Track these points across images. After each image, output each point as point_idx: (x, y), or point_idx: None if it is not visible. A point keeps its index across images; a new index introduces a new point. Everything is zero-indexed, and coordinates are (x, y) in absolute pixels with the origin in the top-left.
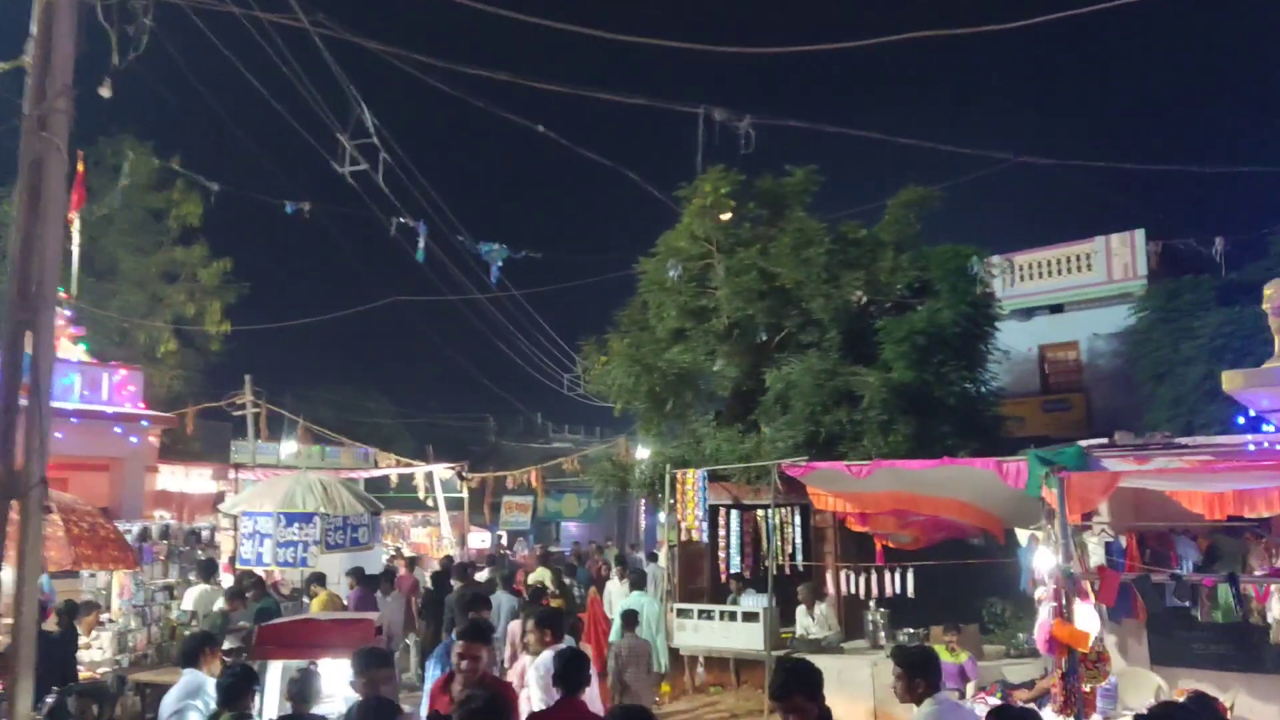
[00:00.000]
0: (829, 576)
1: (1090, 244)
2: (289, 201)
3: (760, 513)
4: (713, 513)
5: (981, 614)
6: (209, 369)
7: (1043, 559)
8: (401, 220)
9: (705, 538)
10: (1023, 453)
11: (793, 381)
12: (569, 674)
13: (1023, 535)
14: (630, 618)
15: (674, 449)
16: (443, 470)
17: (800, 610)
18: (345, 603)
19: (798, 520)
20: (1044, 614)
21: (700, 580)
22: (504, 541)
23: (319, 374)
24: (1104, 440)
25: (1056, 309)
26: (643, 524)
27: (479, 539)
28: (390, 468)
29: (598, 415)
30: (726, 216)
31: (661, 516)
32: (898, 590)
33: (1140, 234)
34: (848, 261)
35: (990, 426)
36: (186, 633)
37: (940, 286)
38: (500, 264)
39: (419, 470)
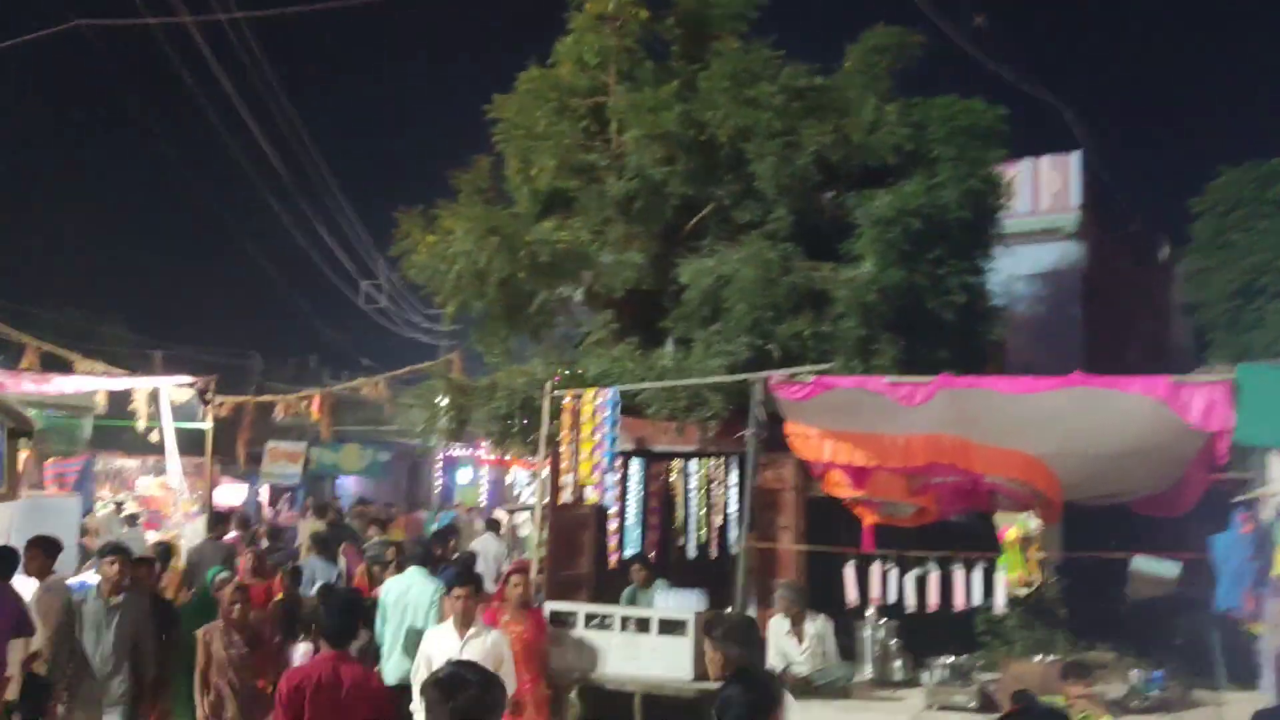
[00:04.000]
0: (789, 566)
1: (1012, 168)
2: None
3: (676, 464)
4: None
5: (975, 624)
6: None
7: None
8: None
9: (609, 499)
10: (1202, 370)
11: (727, 276)
12: None
13: None
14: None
15: (545, 369)
16: (175, 388)
17: (777, 625)
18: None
19: (733, 478)
20: None
21: (580, 564)
22: (262, 497)
23: (41, 287)
24: None
25: None
26: (436, 484)
27: (234, 493)
28: (91, 377)
29: (398, 353)
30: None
31: (462, 475)
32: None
33: (1076, 157)
34: (809, 109)
35: (991, 356)
36: None
37: (939, 153)
38: None
39: (139, 386)
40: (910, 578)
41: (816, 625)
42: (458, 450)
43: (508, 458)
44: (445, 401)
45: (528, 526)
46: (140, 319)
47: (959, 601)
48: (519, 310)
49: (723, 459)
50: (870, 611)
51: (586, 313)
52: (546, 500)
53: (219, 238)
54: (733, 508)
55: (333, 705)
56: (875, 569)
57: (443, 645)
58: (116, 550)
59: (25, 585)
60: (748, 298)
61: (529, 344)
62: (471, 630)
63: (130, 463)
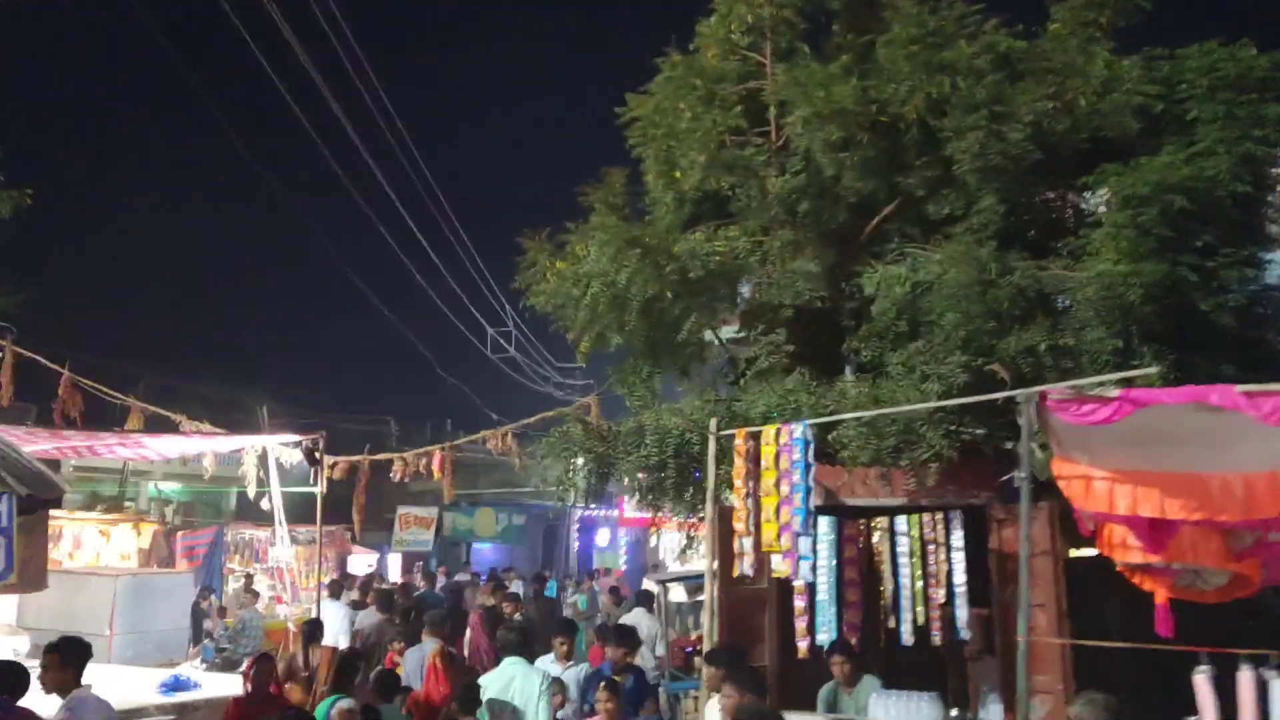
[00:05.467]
0: (1048, 658)
1: None
2: None
3: (879, 522)
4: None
5: None
6: None
7: None
8: None
9: (806, 571)
10: None
11: (926, 282)
12: None
13: None
14: (469, 695)
15: (701, 409)
16: (282, 446)
17: None
18: None
19: (957, 539)
20: None
21: (758, 654)
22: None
23: (187, 361)
24: None
25: None
26: (574, 547)
27: (364, 562)
28: (194, 435)
29: (531, 412)
30: None
31: (600, 537)
32: None
33: None
34: (1018, 75)
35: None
36: None
37: (1199, 113)
38: None
39: (245, 446)
40: None
41: None
42: (595, 510)
43: (660, 517)
44: (580, 460)
45: (679, 593)
46: (280, 390)
47: None
48: (664, 342)
49: (940, 514)
50: None
51: (738, 345)
52: (715, 567)
53: (352, 303)
54: (959, 579)
55: None
56: (1244, 678)
57: None
58: None
59: (47, 703)
60: (959, 306)
61: (675, 385)
62: None
63: (260, 533)
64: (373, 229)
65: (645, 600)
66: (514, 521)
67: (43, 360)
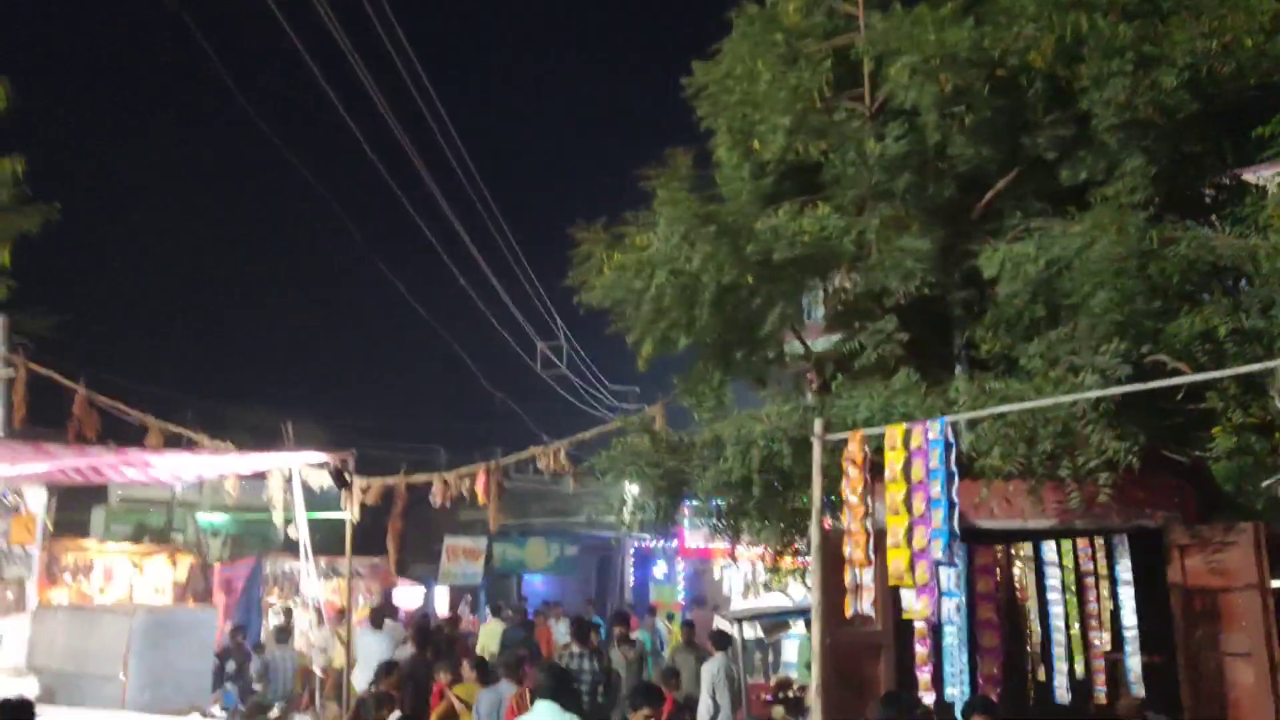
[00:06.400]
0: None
1: None
2: None
3: (1020, 549)
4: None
5: None
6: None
7: None
8: None
9: (950, 611)
10: None
11: (1063, 259)
12: None
13: None
14: None
15: (789, 415)
16: (308, 465)
17: None
18: None
19: (1123, 571)
20: None
21: (870, 710)
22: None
23: (230, 387)
24: None
25: None
26: (629, 579)
27: (410, 596)
28: (207, 453)
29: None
30: None
31: (658, 570)
32: None
33: None
34: (1165, 12)
35: None
36: None
37: None
38: None
39: (268, 466)
40: None
41: None
42: (653, 541)
43: (741, 547)
44: (646, 457)
45: (751, 630)
46: (324, 417)
47: None
48: (740, 342)
49: (1100, 539)
50: None
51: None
52: (819, 602)
53: (401, 331)
54: (1128, 620)
55: None
56: None
57: None
58: None
59: None
60: (1111, 283)
61: (751, 393)
62: None
63: (296, 564)
64: (418, 243)
65: (722, 643)
66: (566, 552)
67: (56, 378)
